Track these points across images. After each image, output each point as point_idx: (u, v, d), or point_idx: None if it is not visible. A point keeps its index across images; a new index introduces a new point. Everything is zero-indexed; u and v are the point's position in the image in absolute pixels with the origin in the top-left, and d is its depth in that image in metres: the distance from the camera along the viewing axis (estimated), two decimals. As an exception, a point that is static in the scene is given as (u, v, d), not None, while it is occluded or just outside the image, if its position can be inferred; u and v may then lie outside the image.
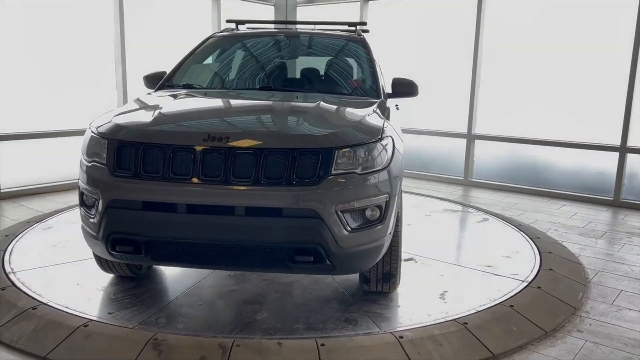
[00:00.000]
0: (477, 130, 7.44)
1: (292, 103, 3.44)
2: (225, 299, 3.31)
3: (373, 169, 2.78)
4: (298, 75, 4.17)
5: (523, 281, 3.68)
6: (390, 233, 2.97)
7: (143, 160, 2.69)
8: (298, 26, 7.08)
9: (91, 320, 2.95)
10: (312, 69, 4.14)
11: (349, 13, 8.42)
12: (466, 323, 3.00)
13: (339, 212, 2.65)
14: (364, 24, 4.83)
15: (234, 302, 3.27)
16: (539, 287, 3.56)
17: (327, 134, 2.76)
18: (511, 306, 3.26)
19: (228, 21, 4.86)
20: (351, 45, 4.31)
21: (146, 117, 2.93)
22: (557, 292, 3.52)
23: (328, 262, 2.72)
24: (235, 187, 2.60)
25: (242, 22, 4.83)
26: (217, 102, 3.47)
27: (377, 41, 8.08)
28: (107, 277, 3.53)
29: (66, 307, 3.09)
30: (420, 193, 6.52)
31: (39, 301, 3.14)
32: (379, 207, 2.82)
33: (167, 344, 2.72)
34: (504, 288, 3.55)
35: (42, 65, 6.12)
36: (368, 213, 2.80)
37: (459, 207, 5.81)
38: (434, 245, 4.42)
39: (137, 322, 2.95)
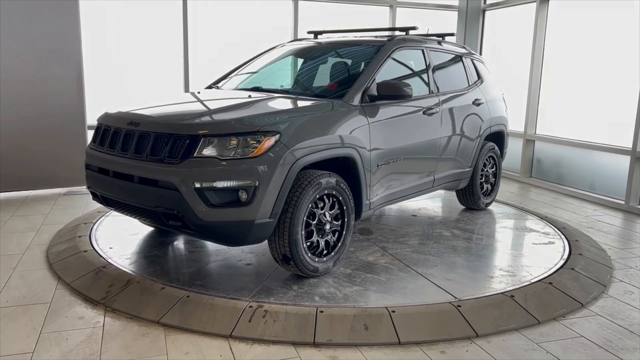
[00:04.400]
0: (650, 146, 6.17)
1: (226, 101, 4.03)
2: (186, 255, 4.14)
3: (238, 157, 3.24)
4: (294, 81, 4.64)
5: (455, 298, 3.43)
6: (270, 217, 3.33)
7: (101, 137, 3.78)
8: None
9: (93, 249, 4.19)
10: (308, 76, 4.56)
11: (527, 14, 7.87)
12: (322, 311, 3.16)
13: (199, 189, 3.22)
14: (415, 28, 4.88)
15: (186, 258, 4.08)
16: (459, 307, 3.30)
17: (199, 123, 3.35)
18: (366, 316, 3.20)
19: (309, 32, 5.54)
20: (368, 49, 4.53)
21: (126, 107, 3.98)
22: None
23: (194, 229, 3.33)
24: (132, 160, 3.45)
25: (320, 33, 5.46)
26: (186, 99, 4.28)
27: (554, 41, 7.42)
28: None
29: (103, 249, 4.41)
30: (530, 210, 5.92)
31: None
32: (246, 190, 3.25)
33: (105, 272, 3.74)
34: (422, 298, 3.41)
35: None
36: (236, 194, 3.26)
37: (542, 228, 5.14)
38: (435, 254, 4.28)
39: (114, 256, 4.06)
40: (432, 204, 6.03)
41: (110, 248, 4.23)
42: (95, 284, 3.61)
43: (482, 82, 5.64)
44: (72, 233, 4.60)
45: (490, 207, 5.91)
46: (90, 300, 3.44)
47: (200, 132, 3.27)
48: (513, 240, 4.79)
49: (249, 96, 4.04)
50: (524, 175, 7.98)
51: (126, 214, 3.81)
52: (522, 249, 4.49)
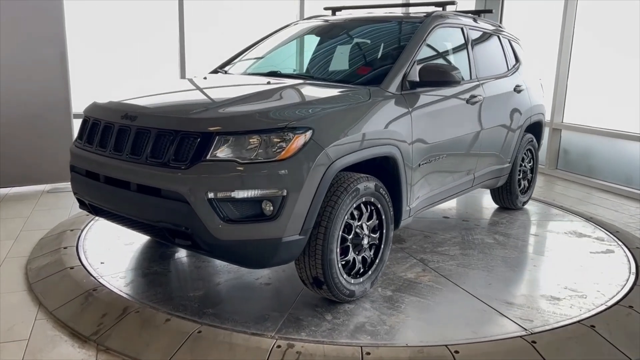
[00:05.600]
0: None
1: (241, 89, 3.36)
2: (191, 272, 3.49)
3: (262, 160, 2.58)
4: (316, 64, 3.97)
5: (526, 330, 2.82)
6: (300, 234, 2.69)
7: (88, 132, 3.09)
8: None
9: (81, 265, 3.52)
10: (332, 58, 3.89)
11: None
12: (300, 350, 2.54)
13: (213, 201, 2.57)
14: (453, 3, 4.21)
15: (192, 275, 3.43)
16: (533, 342, 2.69)
17: (212, 118, 2.68)
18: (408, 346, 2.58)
19: (326, 8, 4.85)
20: (402, 27, 3.87)
21: (119, 96, 3.28)
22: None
23: (206, 250, 2.68)
24: (128, 163, 2.77)
25: (339, 9, 4.77)
26: (191, 86, 3.58)
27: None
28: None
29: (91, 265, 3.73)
30: (571, 210, 5.32)
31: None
32: (272, 201, 2.60)
33: (96, 297, 3.09)
34: (486, 331, 2.80)
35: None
36: (259, 206, 2.61)
37: (593, 232, 4.54)
38: (484, 268, 3.67)
39: (107, 274, 3.40)
40: (460, 202, 5.41)
41: (101, 263, 3.57)
42: (84, 314, 2.96)
43: (520, 65, 5.00)
44: (56, 243, 3.93)
45: (525, 206, 5.30)
46: (78, 336, 2.79)
47: (214, 128, 2.61)
48: (566, 249, 4.17)
49: (268, 82, 3.35)
50: (550, 167, 7.39)
51: (121, 226, 3.15)
52: (581, 260, 3.89)
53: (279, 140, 2.62)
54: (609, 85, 6.66)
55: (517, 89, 4.73)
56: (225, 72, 4.09)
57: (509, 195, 4.99)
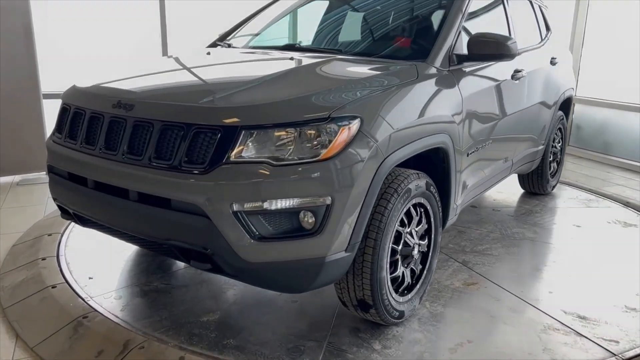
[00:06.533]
0: None
1: (259, 67, 2.79)
2: (200, 286, 2.92)
3: (301, 160, 2.01)
4: (335, 34, 3.37)
5: (615, 355, 2.35)
6: (347, 250, 2.15)
7: (70, 124, 2.47)
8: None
9: (65, 282, 2.93)
10: (360, 28, 3.30)
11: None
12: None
13: (239, 213, 2.00)
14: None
15: (201, 291, 2.87)
16: (630, 373, 2.22)
17: (235, 107, 2.08)
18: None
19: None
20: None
21: (105, 77, 2.65)
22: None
23: (232, 274, 2.12)
24: (125, 166, 2.17)
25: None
26: (195, 63, 2.95)
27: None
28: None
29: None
30: (603, 193, 4.89)
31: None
32: (313, 212, 2.04)
33: (87, 328, 2.51)
34: (570, 357, 2.32)
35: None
36: (298, 218, 2.06)
37: (639, 220, 4.12)
38: (536, 270, 3.20)
39: (97, 294, 2.81)
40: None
41: (89, 279, 2.98)
42: (74, 350, 2.38)
43: (551, 35, 4.47)
44: (32, 252, 3.31)
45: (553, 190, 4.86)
46: (68, 383, 2.22)
47: (238, 120, 2.02)
48: (616, 242, 3.72)
49: (291, 59, 2.75)
50: (561, 143, 6.94)
51: (117, 239, 2.55)
52: (638, 256, 3.45)
53: (319, 134, 2.05)
54: (628, 56, 6.21)
55: (553, 62, 4.22)
56: (229, 46, 3.45)
57: (539, 179, 4.52)
